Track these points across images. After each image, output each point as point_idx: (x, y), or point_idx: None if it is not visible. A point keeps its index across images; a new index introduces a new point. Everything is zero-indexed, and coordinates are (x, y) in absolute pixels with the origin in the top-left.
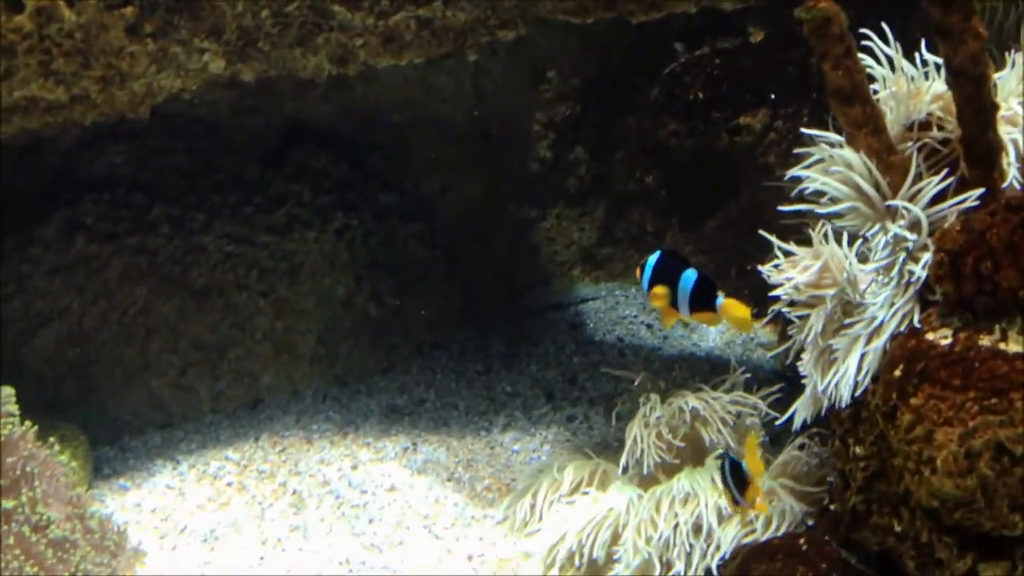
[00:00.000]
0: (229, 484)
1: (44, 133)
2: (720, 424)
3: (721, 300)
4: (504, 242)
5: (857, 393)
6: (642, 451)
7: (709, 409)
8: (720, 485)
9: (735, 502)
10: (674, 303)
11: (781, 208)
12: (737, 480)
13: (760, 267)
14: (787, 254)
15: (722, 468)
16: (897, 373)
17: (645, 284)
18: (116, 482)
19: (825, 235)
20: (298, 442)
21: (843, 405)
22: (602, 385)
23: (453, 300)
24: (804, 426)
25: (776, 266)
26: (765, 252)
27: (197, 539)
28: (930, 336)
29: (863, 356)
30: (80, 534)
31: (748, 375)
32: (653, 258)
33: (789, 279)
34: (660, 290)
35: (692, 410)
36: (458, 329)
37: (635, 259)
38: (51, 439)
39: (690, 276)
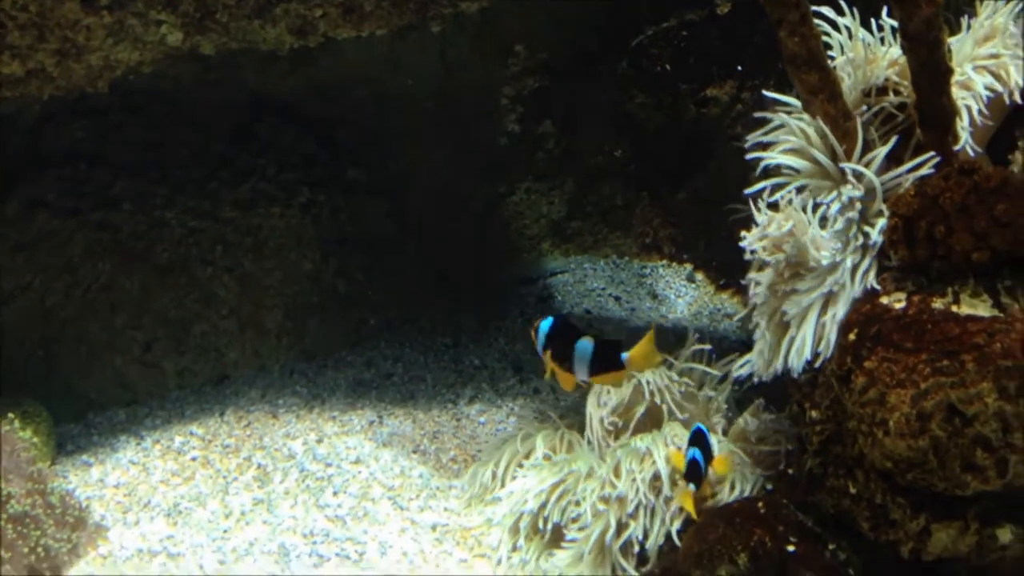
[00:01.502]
0: (193, 459)
1: (4, 110)
2: (673, 398)
3: (626, 356)
4: (474, 217)
5: (817, 364)
6: (595, 429)
7: (666, 383)
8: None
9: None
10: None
11: (747, 191)
12: (703, 451)
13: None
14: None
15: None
16: (852, 337)
17: (539, 348)
18: (79, 458)
19: (790, 201)
20: (264, 417)
21: (796, 375)
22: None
23: (423, 275)
24: (762, 386)
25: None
26: (734, 223)
27: (161, 513)
28: (885, 300)
29: (823, 323)
30: (41, 509)
31: (709, 347)
32: (546, 324)
33: (759, 236)
34: (548, 357)
35: (648, 384)
36: (428, 304)
37: (603, 232)
38: (11, 416)
39: (586, 346)
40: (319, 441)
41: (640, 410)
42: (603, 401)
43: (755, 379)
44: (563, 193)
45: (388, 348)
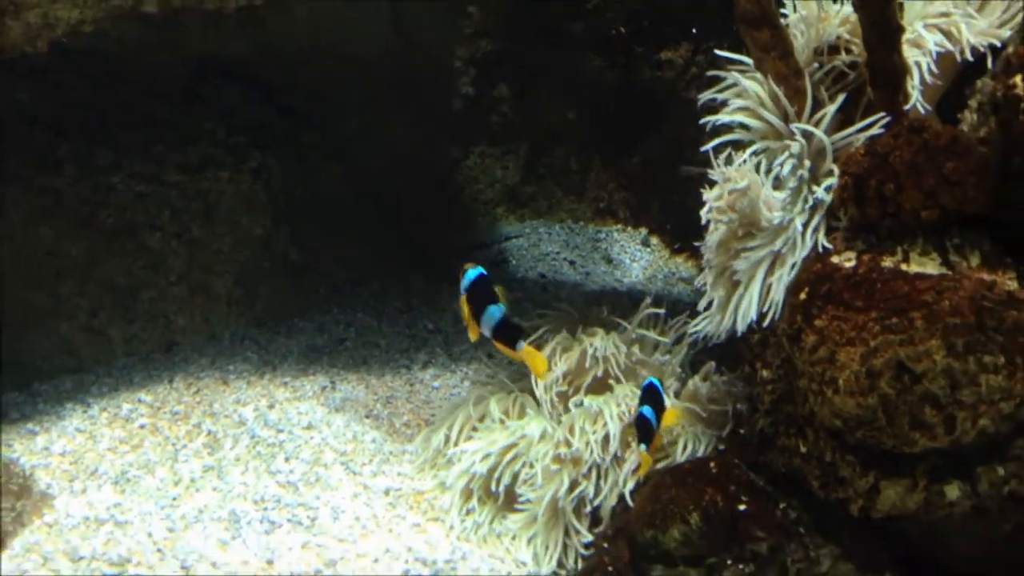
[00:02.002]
0: (142, 426)
1: None
2: (620, 365)
3: (523, 345)
4: (428, 182)
5: (765, 324)
6: (542, 395)
7: (613, 351)
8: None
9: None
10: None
11: (704, 147)
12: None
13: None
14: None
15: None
16: (802, 296)
17: (463, 289)
18: (24, 427)
19: (744, 161)
20: (214, 383)
21: (740, 333)
22: (525, 321)
23: (377, 240)
24: (717, 349)
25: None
26: (688, 187)
27: (108, 481)
28: (835, 259)
29: (770, 284)
30: None
31: (664, 311)
32: (471, 275)
33: (717, 196)
34: (464, 302)
35: (596, 351)
36: (382, 269)
37: (558, 196)
38: None
39: (493, 315)
40: (270, 407)
41: (588, 379)
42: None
43: (709, 341)
44: (518, 158)
45: (341, 314)
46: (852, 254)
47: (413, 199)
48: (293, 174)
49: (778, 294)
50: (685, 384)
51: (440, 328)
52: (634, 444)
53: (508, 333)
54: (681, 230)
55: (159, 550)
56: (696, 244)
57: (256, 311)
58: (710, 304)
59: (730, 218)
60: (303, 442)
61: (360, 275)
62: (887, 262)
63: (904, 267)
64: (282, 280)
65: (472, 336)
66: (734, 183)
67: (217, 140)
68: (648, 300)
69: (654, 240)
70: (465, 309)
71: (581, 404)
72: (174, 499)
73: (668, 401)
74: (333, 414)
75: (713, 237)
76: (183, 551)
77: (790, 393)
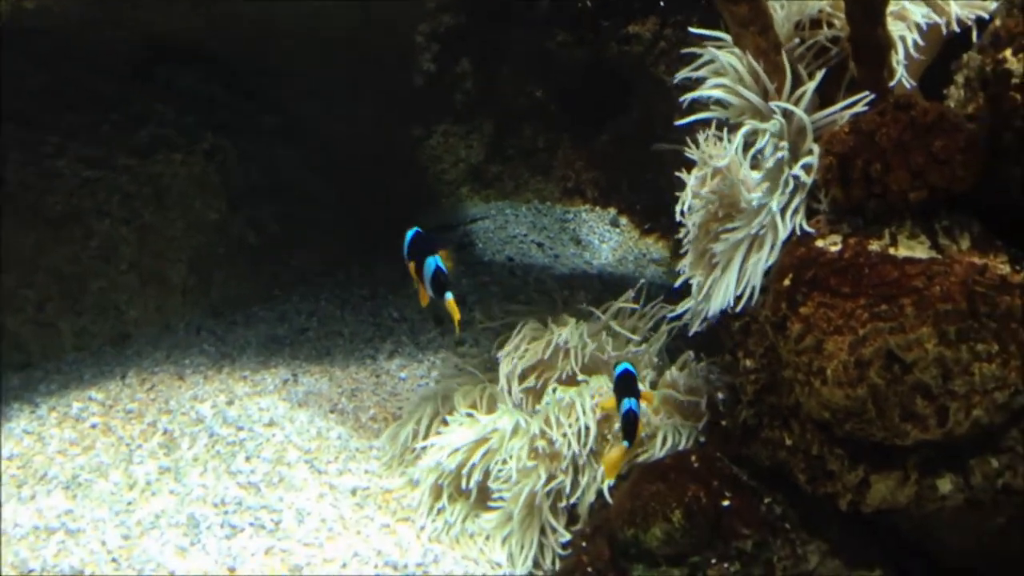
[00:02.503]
0: (93, 426)
1: None
2: (579, 360)
3: (449, 296)
4: (392, 162)
5: (739, 308)
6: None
7: (579, 343)
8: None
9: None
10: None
11: (678, 122)
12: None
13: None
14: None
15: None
16: (786, 282)
17: (405, 253)
18: None
19: (719, 139)
20: (169, 378)
21: (714, 320)
22: (492, 307)
23: (340, 224)
24: (696, 337)
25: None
26: (659, 165)
27: (59, 486)
28: (819, 243)
29: (747, 266)
30: None
31: (636, 307)
32: (410, 234)
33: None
34: (412, 268)
35: (566, 341)
36: (345, 255)
37: (524, 176)
38: None
39: (430, 264)
40: (229, 403)
41: (557, 372)
42: (515, 362)
43: (689, 329)
44: (482, 136)
45: (302, 302)
46: (838, 238)
47: (375, 181)
48: (250, 156)
49: (755, 278)
50: (662, 374)
51: (406, 316)
52: (612, 438)
53: (436, 283)
54: (651, 210)
55: (114, 560)
56: (677, 223)
57: (212, 299)
58: (689, 289)
59: (709, 199)
60: (265, 440)
61: (322, 261)
62: (874, 246)
63: (892, 251)
64: (239, 266)
65: (422, 301)
66: (714, 163)
67: (167, 121)
68: (630, 293)
69: (623, 220)
70: (413, 272)
71: (555, 392)
72: (129, 504)
73: (642, 386)
74: (296, 409)
75: (693, 219)
76: (139, 560)
77: (774, 383)
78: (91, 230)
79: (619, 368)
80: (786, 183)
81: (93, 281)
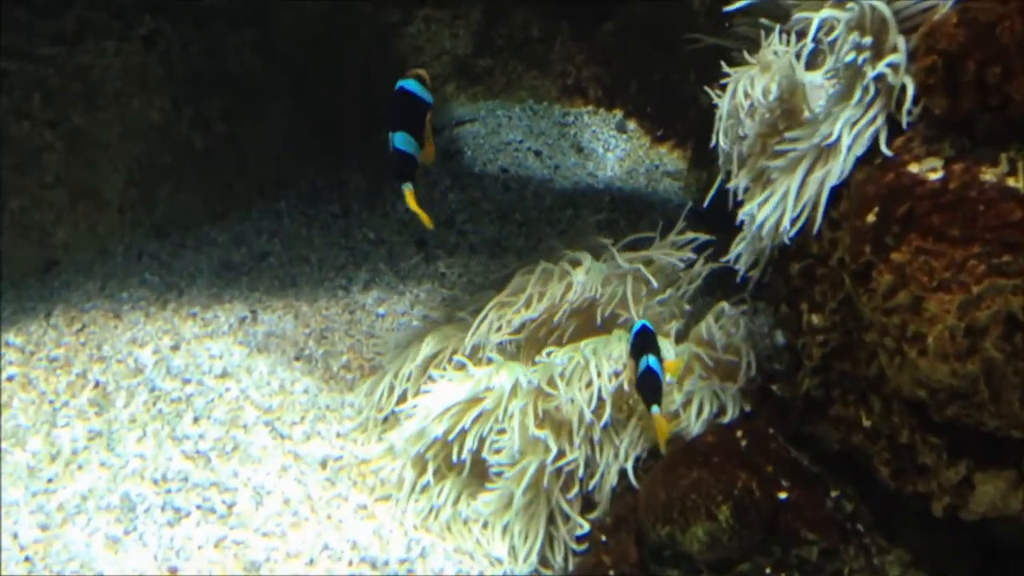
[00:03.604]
0: (10, 378)
1: None
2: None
3: (409, 187)
4: (361, 53)
5: (792, 232)
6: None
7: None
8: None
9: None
10: None
11: (728, 7)
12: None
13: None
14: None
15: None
16: (871, 218)
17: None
18: None
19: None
20: (103, 316)
21: (787, 241)
22: (484, 228)
23: (300, 126)
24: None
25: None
26: (671, 62)
27: None
28: (914, 168)
29: (810, 181)
30: None
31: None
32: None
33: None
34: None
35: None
36: (308, 163)
37: (517, 71)
38: None
39: (397, 140)
40: (175, 348)
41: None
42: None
43: (740, 272)
44: (469, 24)
45: (262, 220)
46: (938, 162)
47: (343, 75)
48: (194, 43)
49: (820, 197)
50: (693, 326)
51: (382, 238)
52: (637, 407)
53: (396, 164)
54: (664, 112)
55: (27, 558)
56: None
57: (155, 218)
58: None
59: (766, 107)
60: (216, 396)
61: (284, 171)
62: (988, 175)
63: (1012, 182)
64: (187, 177)
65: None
66: (768, 65)
67: (97, 3)
68: (682, 224)
69: (631, 125)
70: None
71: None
72: (49, 481)
73: (670, 351)
74: (254, 356)
75: (750, 129)
76: (59, 558)
77: (850, 347)
78: (8, 136)
79: (637, 325)
80: (866, 89)
81: (12, 198)
